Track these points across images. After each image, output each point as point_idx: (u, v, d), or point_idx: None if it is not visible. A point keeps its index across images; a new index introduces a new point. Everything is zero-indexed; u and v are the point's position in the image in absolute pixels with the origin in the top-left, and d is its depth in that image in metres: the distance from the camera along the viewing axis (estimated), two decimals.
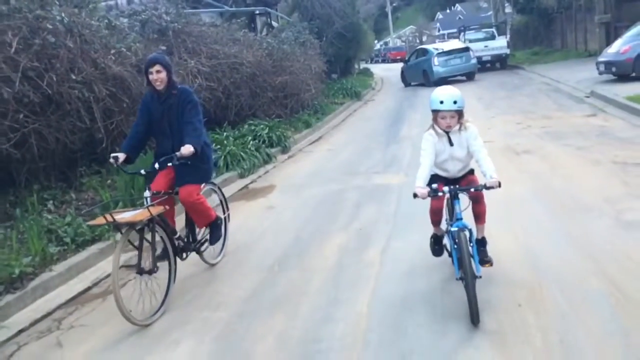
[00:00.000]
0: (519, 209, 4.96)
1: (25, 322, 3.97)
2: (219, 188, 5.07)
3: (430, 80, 18.58)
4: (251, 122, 10.51)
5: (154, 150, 4.59)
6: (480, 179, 3.44)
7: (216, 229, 4.55)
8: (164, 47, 8.20)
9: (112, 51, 6.64)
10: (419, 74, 20.13)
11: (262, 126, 10.27)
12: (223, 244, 4.85)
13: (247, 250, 4.97)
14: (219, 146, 8.59)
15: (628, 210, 4.47)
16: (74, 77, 5.97)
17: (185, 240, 4.38)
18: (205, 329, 3.53)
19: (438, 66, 18.81)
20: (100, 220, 3.67)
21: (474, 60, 19.45)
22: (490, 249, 3.64)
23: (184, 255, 4.32)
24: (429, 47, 21.16)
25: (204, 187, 4.56)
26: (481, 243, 3.60)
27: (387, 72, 26.75)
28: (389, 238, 4.72)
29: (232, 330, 3.46)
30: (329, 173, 7.86)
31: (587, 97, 11.72)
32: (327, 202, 6.24)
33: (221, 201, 5.01)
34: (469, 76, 19.33)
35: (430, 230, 3.76)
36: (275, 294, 3.92)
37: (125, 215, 3.71)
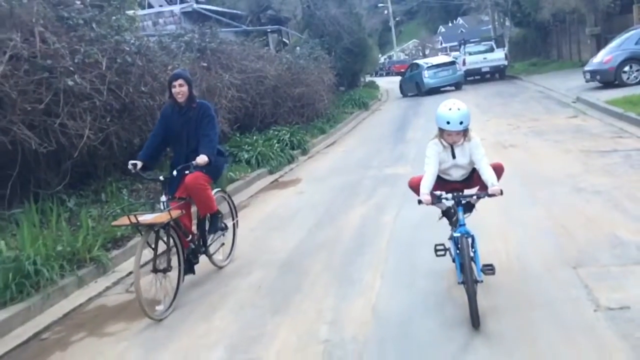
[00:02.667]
0: (501, 182, 6.31)
1: (129, 268, 5.34)
2: (229, 196, 5.41)
3: (422, 90, 21.36)
4: (274, 128, 11.98)
5: (170, 159, 4.94)
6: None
7: (216, 220, 4.79)
8: (204, 64, 9.69)
9: (169, 67, 8.10)
10: (413, 86, 22.64)
11: (284, 131, 11.73)
12: (231, 248, 5.18)
13: (289, 220, 6.37)
14: (250, 147, 10.03)
15: (582, 181, 5.86)
16: (143, 88, 7.42)
17: (197, 243, 4.62)
18: (272, 262, 4.91)
19: (428, 78, 21.40)
20: (124, 220, 3.98)
21: (460, 72, 22.05)
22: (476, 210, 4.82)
23: (194, 259, 4.58)
24: (420, 61, 24.15)
25: (215, 193, 4.83)
26: None
27: (392, 85, 28.24)
28: (399, 208, 6.08)
29: (290, 261, 4.87)
30: (346, 168, 9.27)
31: (574, 102, 13.07)
32: (348, 187, 7.63)
33: (231, 209, 5.32)
34: (457, 86, 21.69)
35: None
36: (317, 242, 5.32)
37: (146, 217, 3.99)
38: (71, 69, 6.15)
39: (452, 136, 3.53)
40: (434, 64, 22.21)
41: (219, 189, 5.23)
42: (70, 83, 6.03)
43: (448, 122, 3.44)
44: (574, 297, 3.37)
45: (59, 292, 4.70)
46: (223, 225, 4.93)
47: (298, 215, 6.54)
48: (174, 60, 8.72)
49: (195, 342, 3.59)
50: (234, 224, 5.28)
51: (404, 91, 23.83)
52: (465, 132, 3.53)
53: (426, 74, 21.47)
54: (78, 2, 7.13)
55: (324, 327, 3.51)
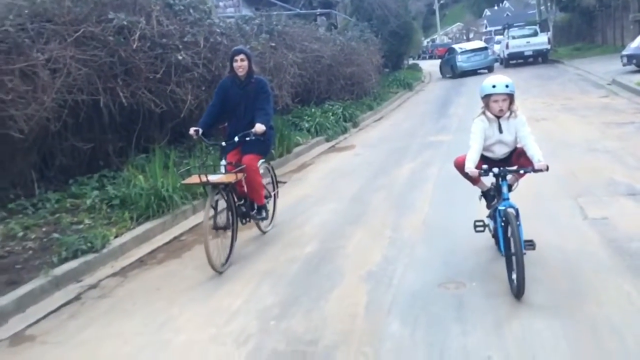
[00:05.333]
0: None
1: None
2: (272, 168, 5.69)
3: (456, 73, 23.76)
4: (328, 102, 13.37)
5: (225, 128, 5.13)
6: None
7: (262, 210, 5.07)
8: (273, 44, 11.12)
9: (248, 46, 9.57)
10: (449, 68, 24.91)
11: (337, 106, 13.12)
12: (272, 217, 5.45)
13: (350, 172, 7.78)
14: (310, 118, 11.47)
15: (596, 144, 7.06)
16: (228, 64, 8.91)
17: (247, 207, 4.93)
18: (342, 197, 6.34)
19: (461, 62, 23.80)
20: (194, 179, 4.36)
21: (491, 57, 24.55)
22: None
23: (244, 220, 4.93)
24: (456, 46, 26.58)
25: (261, 165, 5.05)
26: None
27: (434, 68, 29.11)
28: (442, 164, 7.38)
29: (357, 197, 6.30)
30: (394, 137, 10.60)
31: (609, 84, 13.94)
32: (397, 151, 8.98)
33: (272, 179, 5.60)
34: (489, 69, 23.43)
35: None
36: (376, 186, 6.72)
37: (214, 177, 4.33)
38: (180, 46, 7.67)
39: (499, 102, 3.57)
40: (467, 49, 24.62)
41: (263, 160, 5.26)
42: (180, 57, 7.55)
43: (494, 86, 3.55)
44: (571, 213, 4.68)
45: (182, 214, 6.25)
46: (264, 215, 5.14)
47: (357, 169, 7.95)
48: (248, 41, 10.19)
49: (295, 240, 5.05)
50: (274, 194, 5.55)
51: (442, 72, 26.20)
52: (511, 100, 3.61)
53: (459, 58, 23.84)
54: None
55: (388, 230, 4.94)
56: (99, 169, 7.15)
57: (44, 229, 5.45)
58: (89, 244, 4.96)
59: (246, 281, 4.15)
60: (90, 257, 4.88)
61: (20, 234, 5.26)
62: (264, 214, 5.12)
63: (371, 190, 6.53)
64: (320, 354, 2.95)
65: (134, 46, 6.91)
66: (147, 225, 5.78)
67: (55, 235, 5.18)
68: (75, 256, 4.83)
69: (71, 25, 6.33)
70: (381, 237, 4.79)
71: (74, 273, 4.69)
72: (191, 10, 8.55)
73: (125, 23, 6.87)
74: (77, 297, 4.28)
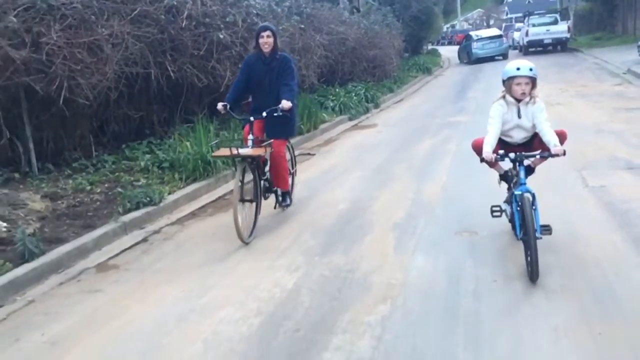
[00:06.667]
0: None
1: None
2: (292, 147, 5.68)
3: (471, 59, 24.68)
4: (351, 84, 13.98)
5: (249, 104, 5.27)
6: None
7: (287, 196, 5.27)
8: (302, 26, 11.72)
9: (280, 28, 10.19)
10: (465, 54, 25.97)
11: (359, 87, 13.73)
12: (291, 193, 5.53)
13: (373, 147, 8.44)
14: (334, 97, 12.10)
15: (604, 126, 7.65)
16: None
17: (269, 182, 5.10)
18: (367, 167, 7.00)
19: (476, 49, 24.68)
20: (225, 151, 4.52)
21: (505, 45, 25.50)
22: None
23: (267, 195, 5.07)
24: (473, 33, 27.65)
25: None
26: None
27: (453, 54, 29.49)
28: (460, 140, 7.99)
29: (381, 167, 6.95)
30: (414, 117, 11.20)
31: (624, 73, 14.34)
32: (418, 129, 9.59)
33: (292, 158, 5.64)
34: (504, 56, 24.42)
35: None
36: (398, 158, 7.37)
37: (244, 150, 4.50)
38: (221, 25, 8.33)
39: (522, 85, 3.60)
40: (482, 36, 25.55)
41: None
42: (221, 36, 8.22)
43: (518, 69, 3.58)
44: (574, 183, 5.32)
45: (223, 177, 6.96)
46: (289, 202, 5.31)
47: (380, 145, 8.59)
48: (280, 22, 10.80)
49: (328, 201, 5.73)
50: (292, 173, 5.62)
51: (460, 58, 27.28)
52: (533, 84, 3.64)
53: (475, 45, 24.83)
54: None
55: (410, 194, 5.61)
56: (145, 136, 7.89)
57: (106, 185, 6.21)
58: (148, 198, 5.69)
59: (290, 229, 4.86)
60: (150, 209, 5.62)
61: (88, 187, 6.03)
62: (288, 201, 5.30)
63: (394, 162, 7.18)
64: (358, 279, 3.65)
65: (182, 25, 7.59)
66: (195, 186, 6.50)
67: (119, 189, 5.92)
68: (137, 207, 5.57)
69: (128, 4, 7.02)
70: (404, 199, 5.46)
71: (138, 221, 5.43)
72: None
73: (174, 3, 7.54)
74: (145, 240, 5.02)
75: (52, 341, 3.19)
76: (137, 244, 4.92)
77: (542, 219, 3.56)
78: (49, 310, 3.64)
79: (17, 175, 6.14)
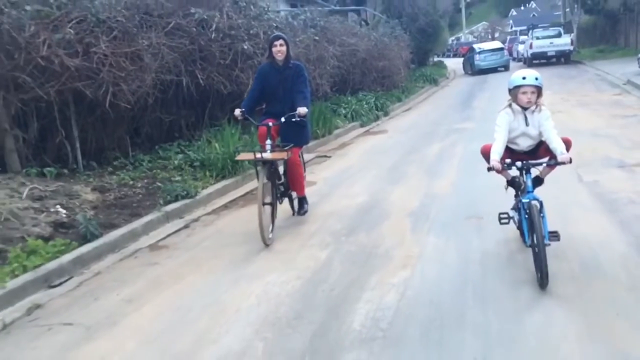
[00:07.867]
0: None
1: None
2: (302, 153, 5.61)
3: (474, 70, 26.04)
4: (362, 93, 14.66)
5: (262, 110, 5.40)
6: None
7: (304, 202, 5.45)
8: (317, 37, 12.42)
9: (297, 39, 10.89)
10: (469, 66, 27.46)
11: (369, 96, 14.41)
12: (306, 198, 5.57)
13: (386, 150, 9.06)
14: (346, 105, 12.77)
15: (601, 131, 8.27)
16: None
17: (285, 187, 5.26)
18: (381, 167, 7.62)
19: (479, 61, 26.07)
20: (248, 155, 4.80)
21: (506, 57, 26.68)
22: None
23: (281, 199, 5.22)
24: (475, 46, 28.98)
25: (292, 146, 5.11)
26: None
27: (459, 65, 30.26)
28: (467, 144, 8.60)
29: (394, 167, 7.57)
30: (422, 124, 11.84)
31: (624, 84, 14.94)
32: (427, 135, 10.22)
33: (302, 164, 5.63)
34: (505, 67, 25.65)
35: None
36: (409, 160, 7.99)
37: (267, 155, 4.66)
38: (245, 37, 9.02)
39: (527, 94, 3.64)
40: (485, 49, 26.93)
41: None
42: (245, 47, 8.90)
43: (524, 78, 3.64)
44: (569, 178, 5.90)
45: (249, 176, 7.59)
46: (306, 208, 5.46)
47: (392, 148, 9.22)
48: (296, 34, 11.50)
49: (347, 194, 6.34)
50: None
51: (465, 69, 28.61)
52: (539, 93, 3.70)
53: (477, 57, 26.21)
54: None
55: (422, 188, 6.23)
56: (174, 139, 8.55)
57: (145, 181, 6.85)
58: (185, 192, 6.33)
59: (316, 217, 5.47)
60: (187, 201, 6.25)
61: (130, 182, 6.67)
62: (305, 207, 5.43)
63: (406, 163, 7.80)
64: (382, 253, 4.27)
65: (211, 36, 8.28)
66: (224, 182, 7.14)
67: (157, 184, 6.56)
68: (176, 200, 6.20)
69: (164, 18, 7.72)
70: (417, 192, 6.07)
71: (178, 211, 6.06)
72: (252, 7, 9.90)
73: (205, 17, 8.23)
74: (186, 226, 5.65)
75: (127, 299, 3.81)
76: (180, 229, 5.54)
77: None
78: (116, 279, 4.26)
79: (65, 171, 6.79)
